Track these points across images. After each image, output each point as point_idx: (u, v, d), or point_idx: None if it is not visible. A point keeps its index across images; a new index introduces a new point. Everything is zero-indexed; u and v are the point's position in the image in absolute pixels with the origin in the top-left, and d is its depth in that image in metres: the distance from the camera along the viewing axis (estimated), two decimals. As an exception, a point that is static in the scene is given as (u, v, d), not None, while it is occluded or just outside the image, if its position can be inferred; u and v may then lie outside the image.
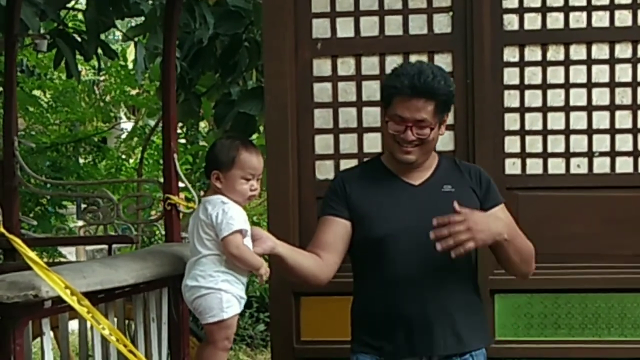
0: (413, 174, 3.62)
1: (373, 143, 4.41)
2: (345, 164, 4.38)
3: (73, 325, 4.44)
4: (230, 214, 3.18)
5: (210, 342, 3.24)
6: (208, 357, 3.25)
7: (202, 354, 3.29)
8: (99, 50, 7.11)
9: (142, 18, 7.12)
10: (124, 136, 12.54)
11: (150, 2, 6.83)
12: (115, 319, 3.75)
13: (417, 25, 4.42)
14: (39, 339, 3.18)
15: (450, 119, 4.25)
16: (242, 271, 3.24)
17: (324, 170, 4.49)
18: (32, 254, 2.86)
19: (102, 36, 7.85)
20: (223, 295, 3.18)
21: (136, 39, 7.38)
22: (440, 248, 3.31)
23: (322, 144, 4.49)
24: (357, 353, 3.63)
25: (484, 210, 3.59)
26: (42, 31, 7.01)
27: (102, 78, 11.58)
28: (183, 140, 11.17)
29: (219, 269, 3.20)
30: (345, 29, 4.47)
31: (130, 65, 10.11)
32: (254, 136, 7.89)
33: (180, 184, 4.41)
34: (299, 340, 4.48)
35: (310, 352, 4.35)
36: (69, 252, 10.42)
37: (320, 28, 4.49)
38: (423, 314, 3.48)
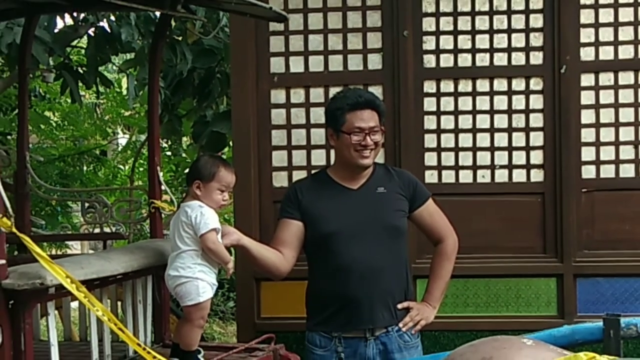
0: (352, 180, 3.61)
1: (319, 157, 4.42)
2: (296, 175, 4.38)
3: (75, 304, 4.41)
4: (207, 216, 3.17)
5: (188, 321, 3.22)
6: (186, 332, 3.23)
7: (181, 330, 3.26)
8: (98, 80, 7.04)
9: (133, 54, 7.08)
10: (120, 149, 12.49)
11: (139, 41, 6.79)
12: (109, 301, 3.71)
13: (355, 62, 4.44)
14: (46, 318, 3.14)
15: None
16: (214, 263, 3.22)
17: (280, 179, 4.49)
18: (38, 249, 2.82)
19: (101, 68, 7.79)
20: (199, 283, 3.16)
21: (128, 71, 7.32)
22: (405, 329, 3.54)
23: (278, 158, 4.49)
24: (311, 330, 3.61)
25: (417, 207, 3.64)
26: (50, 64, 6.93)
27: (102, 101, 11.49)
28: (168, 153, 11.10)
29: (196, 261, 3.18)
30: (296, 65, 4.47)
31: (125, 92, 10.01)
32: (225, 150, 7.85)
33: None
34: (259, 316, 4.48)
35: (268, 326, 4.33)
36: (75, 244, 10.31)
37: (276, 65, 4.48)
38: (364, 294, 3.48)
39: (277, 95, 4.49)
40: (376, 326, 3.51)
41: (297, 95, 4.48)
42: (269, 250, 3.53)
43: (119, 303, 4.01)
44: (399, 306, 3.55)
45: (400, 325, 3.54)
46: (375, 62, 4.42)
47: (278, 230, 3.62)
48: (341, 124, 3.51)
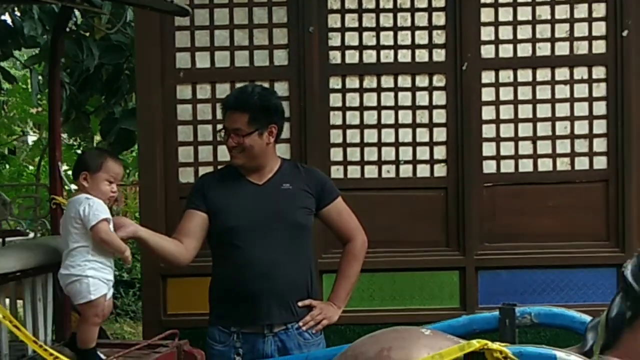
0: (258, 175, 3.59)
1: (225, 153, 4.31)
2: (203, 170, 4.33)
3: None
4: (95, 207, 3.09)
5: (83, 319, 3.15)
6: (83, 331, 3.16)
7: (79, 328, 3.19)
8: (0, 76, 6.86)
9: (38, 49, 6.92)
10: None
11: (45, 36, 6.63)
12: (7, 299, 3.61)
13: (261, 58, 4.43)
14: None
15: (286, 133, 4.29)
16: (108, 256, 3.15)
17: (186, 175, 4.45)
18: None
19: (7, 64, 7.59)
20: (90, 281, 3.08)
21: (33, 67, 7.14)
22: (306, 328, 3.51)
23: (184, 154, 4.45)
24: (213, 325, 3.58)
25: (325, 205, 3.62)
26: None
27: (9, 98, 11.21)
28: (79, 151, 10.92)
29: (86, 258, 3.10)
30: (202, 61, 4.44)
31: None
32: (134, 148, 7.74)
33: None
34: (165, 313, 4.43)
35: (174, 323, 4.27)
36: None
37: (182, 60, 4.44)
38: (263, 290, 3.45)
39: (183, 91, 4.44)
40: (274, 322, 3.49)
41: (203, 90, 4.44)
42: (167, 240, 3.49)
43: (20, 301, 3.90)
44: (300, 304, 3.53)
45: (301, 324, 3.52)
46: (281, 58, 4.42)
47: (182, 220, 3.59)
48: (224, 122, 3.55)
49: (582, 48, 4.42)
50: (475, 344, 2.24)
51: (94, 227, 3.07)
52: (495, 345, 2.23)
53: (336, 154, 4.45)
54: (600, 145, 4.44)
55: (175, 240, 3.51)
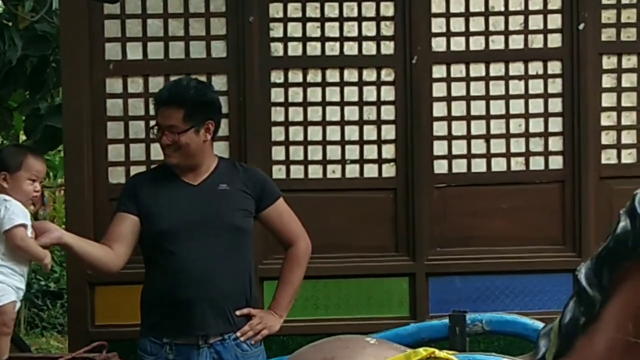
0: (193, 175, 3.58)
1: (160, 152, 4.29)
2: (134, 170, 4.28)
3: None
4: (12, 210, 3.05)
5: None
6: None
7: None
8: None
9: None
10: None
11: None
12: None
13: (197, 50, 4.40)
14: None
15: (225, 130, 4.29)
16: (22, 263, 3.10)
17: (116, 175, 4.39)
18: None
19: None
20: None
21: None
22: (244, 339, 3.50)
23: (115, 152, 4.40)
24: (144, 336, 3.55)
25: (265, 207, 3.61)
26: None
27: None
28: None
29: None
30: (134, 52, 4.39)
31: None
32: (61, 147, 7.63)
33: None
34: (93, 324, 4.36)
35: (103, 335, 4.20)
36: None
37: (112, 51, 4.39)
38: (198, 298, 3.44)
39: (113, 85, 4.39)
40: (210, 333, 3.47)
41: (135, 84, 4.40)
42: (95, 246, 3.45)
43: None
44: (238, 313, 3.51)
45: (239, 334, 3.50)
46: (219, 49, 4.40)
47: (112, 224, 3.56)
48: (156, 118, 3.51)
49: (537, 42, 4.47)
50: (422, 352, 2.24)
51: (8, 232, 3.03)
52: (443, 354, 2.24)
53: (278, 153, 4.44)
54: (556, 144, 4.50)
55: (104, 246, 3.48)
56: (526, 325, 2.93)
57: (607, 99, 4.51)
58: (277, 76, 4.43)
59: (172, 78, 4.22)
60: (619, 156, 4.52)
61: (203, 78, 4.25)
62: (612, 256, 2.47)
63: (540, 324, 2.79)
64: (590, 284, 2.51)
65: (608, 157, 4.52)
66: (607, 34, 4.50)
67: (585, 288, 2.51)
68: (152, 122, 3.79)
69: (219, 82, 4.33)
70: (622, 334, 2.44)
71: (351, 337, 2.71)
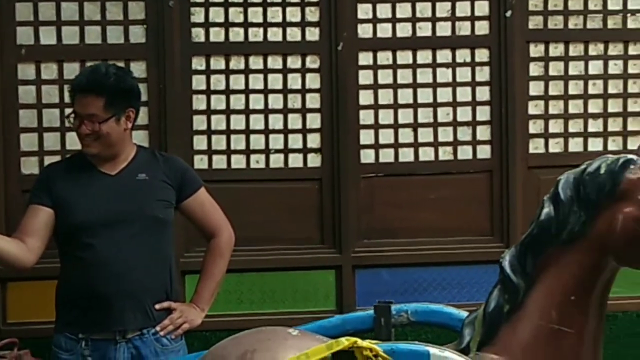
0: (110, 165, 3.55)
1: (75, 141, 4.25)
2: (48, 160, 4.24)
3: None
4: None
5: None
6: None
7: None
8: None
9: None
10: None
11: None
12: None
13: (115, 35, 4.37)
14: None
15: (144, 119, 4.29)
16: None
17: (29, 166, 4.35)
18: None
19: None
20: None
21: None
22: (164, 333, 3.49)
23: (27, 141, 4.35)
24: (59, 332, 3.53)
25: (186, 197, 3.61)
26: None
27: None
28: None
29: None
30: (48, 36, 4.35)
31: None
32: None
33: None
34: (5, 322, 4.33)
35: (16, 333, 4.15)
36: None
37: (24, 35, 4.34)
38: (115, 292, 3.42)
39: (25, 70, 4.35)
40: (128, 328, 3.46)
41: (49, 70, 4.36)
42: (6, 241, 3.41)
43: None
44: (157, 307, 3.51)
45: (158, 329, 3.51)
46: (137, 34, 4.38)
47: (25, 217, 3.52)
48: (73, 105, 3.50)
49: (464, 29, 4.56)
50: (344, 341, 2.30)
51: None
52: (366, 343, 2.30)
53: (200, 142, 4.44)
54: (483, 133, 4.59)
55: (16, 240, 3.44)
56: (451, 315, 2.99)
57: (535, 88, 4.62)
58: (198, 63, 4.43)
59: (88, 64, 4.18)
60: (546, 145, 4.65)
61: (121, 64, 4.20)
62: (535, 243, 2.58)
63: (465, 314, 2.86)
64: (514, 272, 2.61)
65: (536, 147, 4.64)
66: (535, 22, 4.61)
67: (509, 275, 2.61)
68: (68, 110, 3.76)
69: (138, 69, 4.31)
70: (545, 322, 2.55)
71: (273, 328, 2.76)
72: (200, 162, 4.43)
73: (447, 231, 4.59)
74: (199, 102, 4.44)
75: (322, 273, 4.51)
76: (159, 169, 3.61)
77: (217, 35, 4.43)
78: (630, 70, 4.69)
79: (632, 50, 4.68)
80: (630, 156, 2.51)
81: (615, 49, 4.67)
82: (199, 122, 4.44)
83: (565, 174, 2.61)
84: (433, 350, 2.39)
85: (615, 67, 4.67)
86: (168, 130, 4.37)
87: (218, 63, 4.44)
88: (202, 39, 4.43)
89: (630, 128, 4.69)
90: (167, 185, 3.60)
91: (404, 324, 3.03)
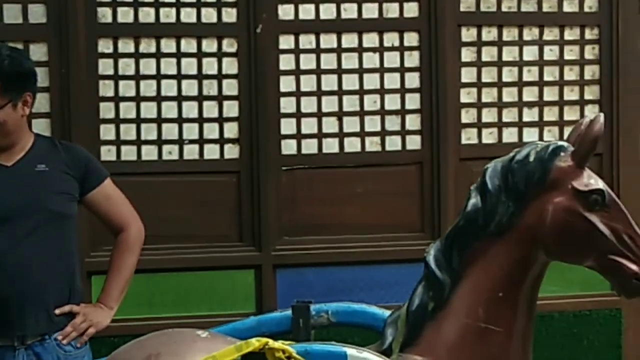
0: (6, 155, 3.45)
1: (-32, 130, 4.21)
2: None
3: None
4: None
5: None
6: None
7: None
8: None
9: None
10: None
11: None
12: None
13: (12, 14, 4.28)
14: None
15: (46, 106, 4.21)
16: None
17: None
18: None
19: None
20: None
21: None
22: (67, 341, 3.37)
23: None
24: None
25: (91, 189, 3.51)
26: None
27: None
28: None
29: None
30: None
31: None
32: None
33: None
34: None
35: None
36: None
37: None
38: (13, 294, 3.33)
39: None
40: (27, 333, 3.37)
41: (-59, 53, 4.24)
42: None
43: None
44: (57, 311, 3.42)
45: (60, 337, 3.43)
46: (38, 14, 4.29)
47: None
48: None
49: (392, 11, 4.55)
50: (255, 342, 2.27)
51: None
52: (278, 344, 2.27)
53: (107, 132, 4.38)
54: (413, 122, 4.60)
55: None
56: (375, 315, 2.96)
57: (467, 74, 4.64)
58: (105, 45, 4.37)
59: (-15, 46, 4.10)
60: (479, 136, 4.67)
61: (20, 47, 4.12)
62: (461, 236, 2.56)
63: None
64: (439, 267, 2.59)
65: (468, 137, 4.66)
66: (466, 4, 4.63)
67: (434, 271, 2.59)
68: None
69: (38, 52, 4.25)
70: (472, 320, 2.54)
71: (180, 330, 2.72)
72: (108, 153, 4.37)
73: (375, 227, 4.59)
74: (106, 89, 4.37)
75: (240, 273, 4.48)
76: (60, 159, 3.53)
77: (125, 15, 4.37)
78: (566, 57, 4.74)
79: (569, 35, 4.74)
80: (560, 143, 2.51)
81: (550, 33, 4.72)
82: (106, 110, 4.37)
83: (493, 162, 2.60)
84: (350, 351, 2.37)
85: (551, 52, 4.72)
86: (72, 119, 4.29)
87: (127, 46, 4.38)
88: (109, 19, 4.36)
89: (566, 117, 4.74)
90: (69, 177, 3.52)
91: (324, 325, 2.99)
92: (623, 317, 4.74)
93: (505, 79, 4.68)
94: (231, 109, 4.46)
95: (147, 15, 4.38)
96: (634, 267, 2.44)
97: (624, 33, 4.74)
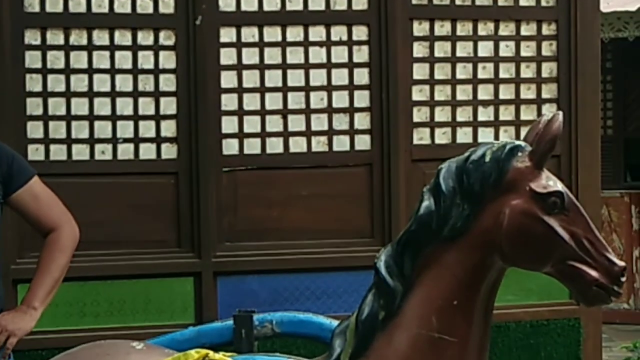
0: None
1: None
2: None
3: None
4: None
5: None
6: None
7: None
8: None
9: None
10: None
11: None
12: None
13: None
14: None
15: (-33, 103, 4.15)
16: None
17: None
18: None
19: None
20: None
21: None
22: None
23: None
24: None
25: (16, 189, 3.43)
26: None
27: None
28: None
29: None
30: None
31: None
32: None
33: None
34: None
35: None
36: None
37: None
38: None
39: None
40: None
41: None
42: None
43: None
44: None
45: None
46: (-42, 3, 4.26)
47: None
48: None
49: (340, 3, 4.58)
50: (194, 354, 2.26)
51: None
52: (219, 356, 2.26)
53: (35, 130, 4.35)
54: (362, 121, 4.63)
55: None
56: (322, 325, 2.98)
57: (419, 70, 4.68)
58: (32, 37, 4.35)
59: None
60: (432, 136, 4.71)
61: (-61, 38, 4.11)
62: (414, 241, 2.56)
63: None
64: (390, 274, 2.59)
65: (420, 137, 4.70)
66: (402, -3, 4.66)
67: (385, 278, 2.59)
68: None
69: (-40, 44, 4.21)
70: (425, 330, 2.53)
71: (113, 342, 2.69)
72: (36, 152, 4.34)
73: (322, 232, 4.60)
74: (34, 83, 4.35)
75: (178, 281, 4.47)
76: (-17, 157, 3.48)
77: (54, 5, 4.35)
78: (523, 53, 4.80)
79: (525, 30, 4.79)
80: (517, 142, 2.51)
81: (506, 28, 4.77)
82: (34, 106, 4.35)
83: (447, 162, 2.60)
84: (292, 362, 2.37)
85: (506, 48, 4.77)
86: (-3, 116, 4.25)
87: (56, 37, 4.37)
88: (37, 9, 4.34)
89: (523, 117, 4.80)
90: (-9, 173, 3.47)
91: (268, 335, 3.00)
92: (582, 327, 4.79)
93: (459, 75, 4.72)
94: (169, 105, 4.45)
95: (77, 4, 4.37)
96: (594, 273, 2.45)
97: (583, 29, 4.80)
